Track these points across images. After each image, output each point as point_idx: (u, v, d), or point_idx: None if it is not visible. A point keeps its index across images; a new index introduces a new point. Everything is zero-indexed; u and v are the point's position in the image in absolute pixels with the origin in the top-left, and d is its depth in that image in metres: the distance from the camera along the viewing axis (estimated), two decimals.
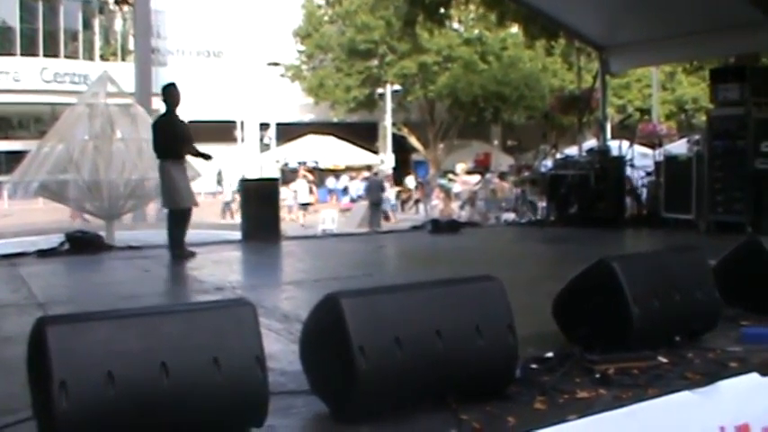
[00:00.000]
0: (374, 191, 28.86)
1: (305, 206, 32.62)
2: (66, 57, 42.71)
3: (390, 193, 34.28)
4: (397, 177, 41.17)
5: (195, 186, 12.87)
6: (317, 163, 42.08)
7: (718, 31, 13.81)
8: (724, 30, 13.68)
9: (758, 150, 12.45)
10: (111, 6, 43.46)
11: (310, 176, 36.56)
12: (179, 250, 10.61)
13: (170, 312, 3.70)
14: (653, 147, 15.64)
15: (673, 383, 4.26)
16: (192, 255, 10.70)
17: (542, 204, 16.44)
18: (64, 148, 14.14)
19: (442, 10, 20.69)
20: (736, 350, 5.10)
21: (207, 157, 11.37)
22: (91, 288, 8.97)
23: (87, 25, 44.28)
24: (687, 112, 22.00)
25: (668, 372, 4.60)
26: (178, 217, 10.83)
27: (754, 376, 4.10)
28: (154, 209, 26.81)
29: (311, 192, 34.70)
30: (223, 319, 3.60)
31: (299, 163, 41.39)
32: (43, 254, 11.08)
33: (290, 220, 30.22)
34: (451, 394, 3.99)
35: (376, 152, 44.35)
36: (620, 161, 15.00)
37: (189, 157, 11.22)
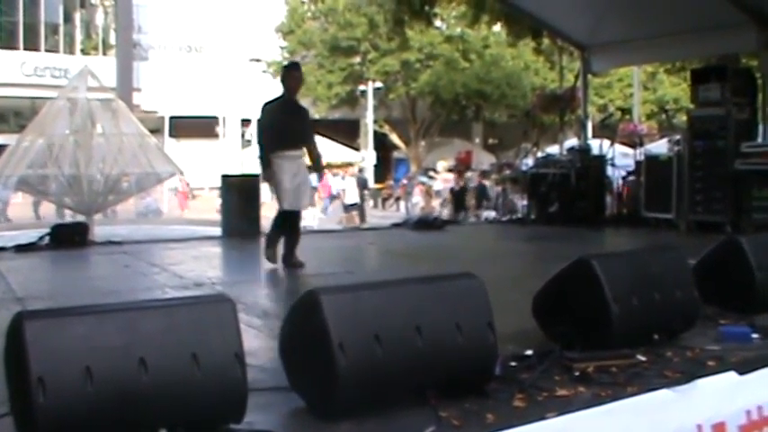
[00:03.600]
0: (357, 188, 28.93)
1: (352, 207, 29.63)
2: (46, 50, 42.46)
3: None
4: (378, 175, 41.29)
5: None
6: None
7: (700, 32, 13.89)
8: (705, 31, 13.76)
9: (738, 151, 12.53)
10: (93, 0, 43.33)
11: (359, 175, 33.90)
12: (269, 251, 9.51)
13: (149, 308, 3.68)
14: (634, 146, 15.70)
15: (651, 382, 4.28)
16: (273, 259, 9.49)
17: (522, 203, 16.45)
18: (44, 143, 14.05)
19: (427, 8, 20.65)
20: (715, 349, 5.13)
21: (318, 164, 10.01)
22: (70, 283, 8.93)
23: (68, 19, 44.02)
24: (668, 112, 22.05)
25: (647, 370, 4.63)
26: (279, 218, 9.58)
27: (732, 375, 4.13)
28: (133, 204, 26.81)
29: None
30: (202, 315, 3.59)
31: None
32: (22, 248, 11.02)
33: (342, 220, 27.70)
34: (431, 391, 3.99)
35: (357, 149, 44.33)
36: (601, 160, 15.06)
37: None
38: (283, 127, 9.21)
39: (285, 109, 9.43)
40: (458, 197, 27.41)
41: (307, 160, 9.70)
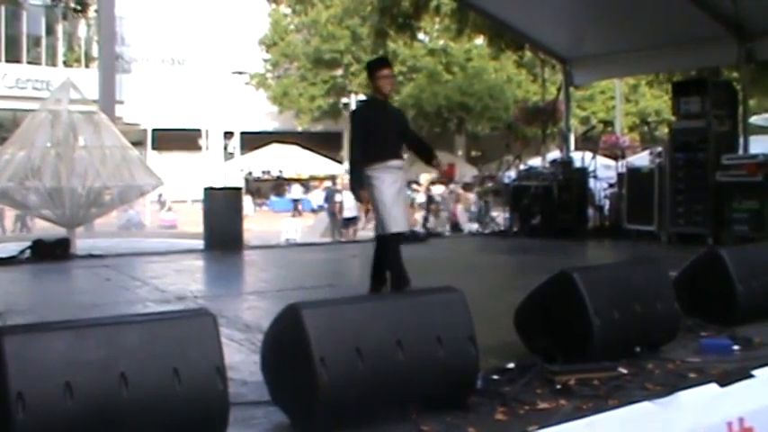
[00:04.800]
0: (332, 201, 28.71)
1: (351, 221, 27.48)
2: (28, 62, 42.32)
3: None
4: None
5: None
6: (281, 172, 41.99)
7: (681, 46, 13.98)
8: (686, 44, 13.85)
9: (719, 163, 12.60)
10: (75, 15, 43.22)
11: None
12: (373, 282, 8.04)
13: (130, 322, 3.67)
14: (616, 158, 15.75)
15: (633, 394, 4.29)
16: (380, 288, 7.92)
17: (505, 215, 16.46)
18: (25, 155, 13.96)
19: (411, 21, 20.64)
20: (695, 361, 5.15)
21: (431, 157, 8.47)
22: (51, 297, 8.89)
23: (50, 31, 43.86)
24: (650, 125, 22.13)
25: (628, 382, 4.64)
26: (384, 244, 8.07)
27: (713, 387, 4.15)
28: (116, 217, 26.71)
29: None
30: (183, 329, 3.58)
31: (263, 172, 41.28)
32: (2, 262, 10.96)
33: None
34: (412, 405, 3.99)
35: (340, 162, 44.28)
36: (583, 173, 15.09)
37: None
38: (381, 134, 7.90)
39: (380, 113, 8.04)
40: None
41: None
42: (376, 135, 7.84)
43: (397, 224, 7.84)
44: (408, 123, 8.57)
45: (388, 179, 7.83)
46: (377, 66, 8.23)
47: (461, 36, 22.29)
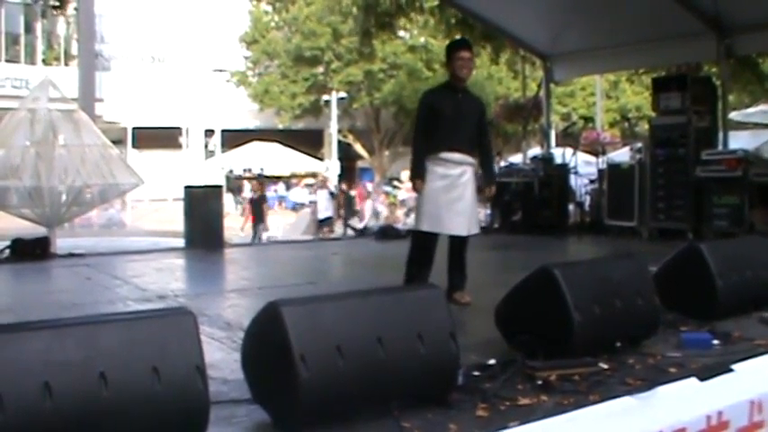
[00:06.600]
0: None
1: (325, 222, 27.02)
2: (6, 61, 42.04)
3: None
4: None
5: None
6: (262, 170, 41.92)
7: (661, 42, 14.02)
8: (666, 40, 13.89)
9: (698, 158, 12.65)
10: (54, 12, 43.00)
11: (332, 187, 31.29)
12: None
13: (109, 322, 3.64)
14: (596, 154, 15.79)
15: (613, 389, 4.31)
16: None
17: (486, 212, 16.48)
18: (4, 154, 13.88)
19: (393, 21, 20.63)
20: (676, 356, 5.17)
21: (490, 173, 8.04)
22: (31, 296, 8.83)
23: (29, 29, 43.60)
24: (630, 121, 22.26)
25: (609, 378, 4.65)
26: (414, 241, 7.85)
27: (693, 381, 4.17)
28: (96, 216, 26.60)
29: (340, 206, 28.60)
30: (163, 328, 3.56)
31: (245, 170, 41.17)
32: None
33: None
34: (393, 402, 3.98)
35: (321, 159, 44.29)
36: (564, 169, 15.12)
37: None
38: (443, 123, 7.39)
39: (449, 98, 7.54)
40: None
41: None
42: (437, 123, 7.40)
43: (429, 223, 7.49)
44: (484, 117, 7.86)
45: (438, 172, 7.41)
46: (455, 47, 7.78)
47: (449, 35, 22.32)
